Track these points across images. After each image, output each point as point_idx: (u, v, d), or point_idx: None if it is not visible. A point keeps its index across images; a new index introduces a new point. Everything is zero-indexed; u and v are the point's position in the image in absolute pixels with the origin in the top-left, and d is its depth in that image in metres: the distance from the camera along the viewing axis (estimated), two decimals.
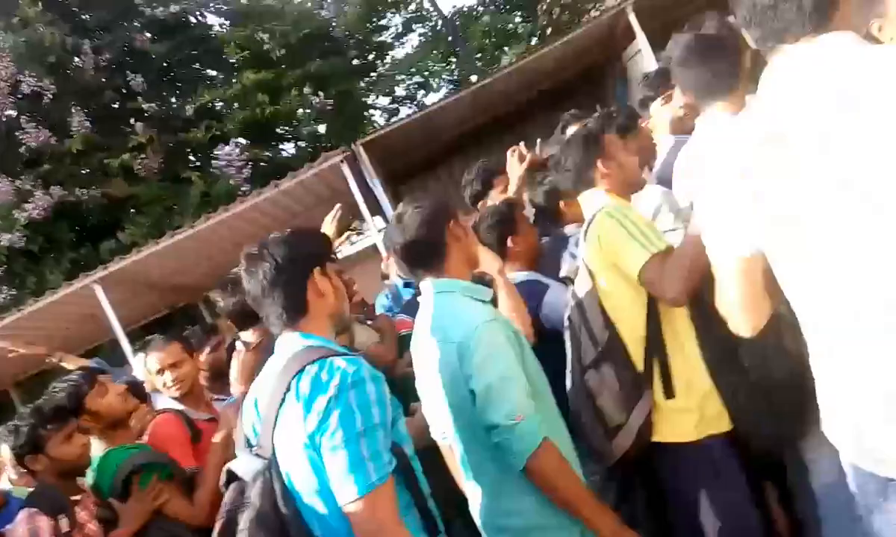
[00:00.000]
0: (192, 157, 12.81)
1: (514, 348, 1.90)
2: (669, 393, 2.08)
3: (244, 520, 1.64)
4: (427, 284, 2.05)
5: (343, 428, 1.50)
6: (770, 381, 1.92)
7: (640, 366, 2.11)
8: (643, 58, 8.41)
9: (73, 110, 11.27)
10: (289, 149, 14.57)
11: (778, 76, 1.37)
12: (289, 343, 1.72)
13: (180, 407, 2.97)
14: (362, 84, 15.39)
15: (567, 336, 2.34)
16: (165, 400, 3.10)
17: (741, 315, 1.51)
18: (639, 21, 8.27)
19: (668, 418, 2.10)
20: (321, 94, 12.29)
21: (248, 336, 3.05)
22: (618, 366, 2.11)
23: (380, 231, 10.04)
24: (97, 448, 2.69)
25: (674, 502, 2.19)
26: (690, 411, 2.08)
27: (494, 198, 3.29)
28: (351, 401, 1.52)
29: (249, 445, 1.78)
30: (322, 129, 14.10)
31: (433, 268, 2.03)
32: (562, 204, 3.03)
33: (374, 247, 10.11)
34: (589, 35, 9.24)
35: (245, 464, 1.76)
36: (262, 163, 12.03)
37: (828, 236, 1.28)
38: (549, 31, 13.90)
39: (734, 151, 1.42)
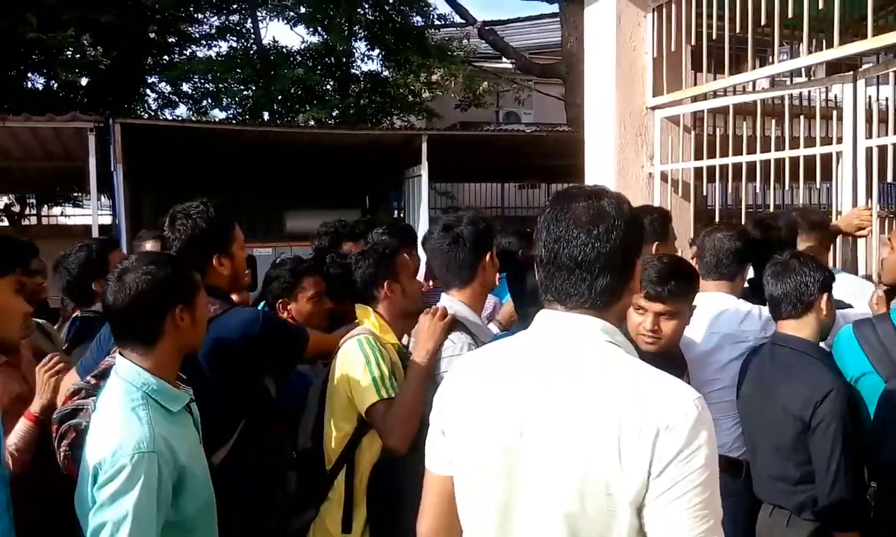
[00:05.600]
0: None
1: (161, 487, 1.56)
2: (347, 527, 2.13)
3: None
4: (120, 362, 1.70)
5: None
6: None
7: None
8: (421, 182, 9.03)
9: None
10: (38, 82, 12.73)
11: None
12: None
13: None
14: (150, 60, 14.18)
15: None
16: None
17: (421, 518, 1.46)
18: (428, 152, 8.86)
19: None
20: (101, 48, 11.06)
21: None
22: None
23: (99, 215, 9.08)
24: None
25: None
26: None
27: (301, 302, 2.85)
28: None
29: None
30: (84, 81, 12.59)
31: (135, 350, 1.68)
32: None
33: (89, 227, 9.09)
34: (386, 138, 9.73)
35: None
36: None
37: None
38: (351, 111, 14.22)
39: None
